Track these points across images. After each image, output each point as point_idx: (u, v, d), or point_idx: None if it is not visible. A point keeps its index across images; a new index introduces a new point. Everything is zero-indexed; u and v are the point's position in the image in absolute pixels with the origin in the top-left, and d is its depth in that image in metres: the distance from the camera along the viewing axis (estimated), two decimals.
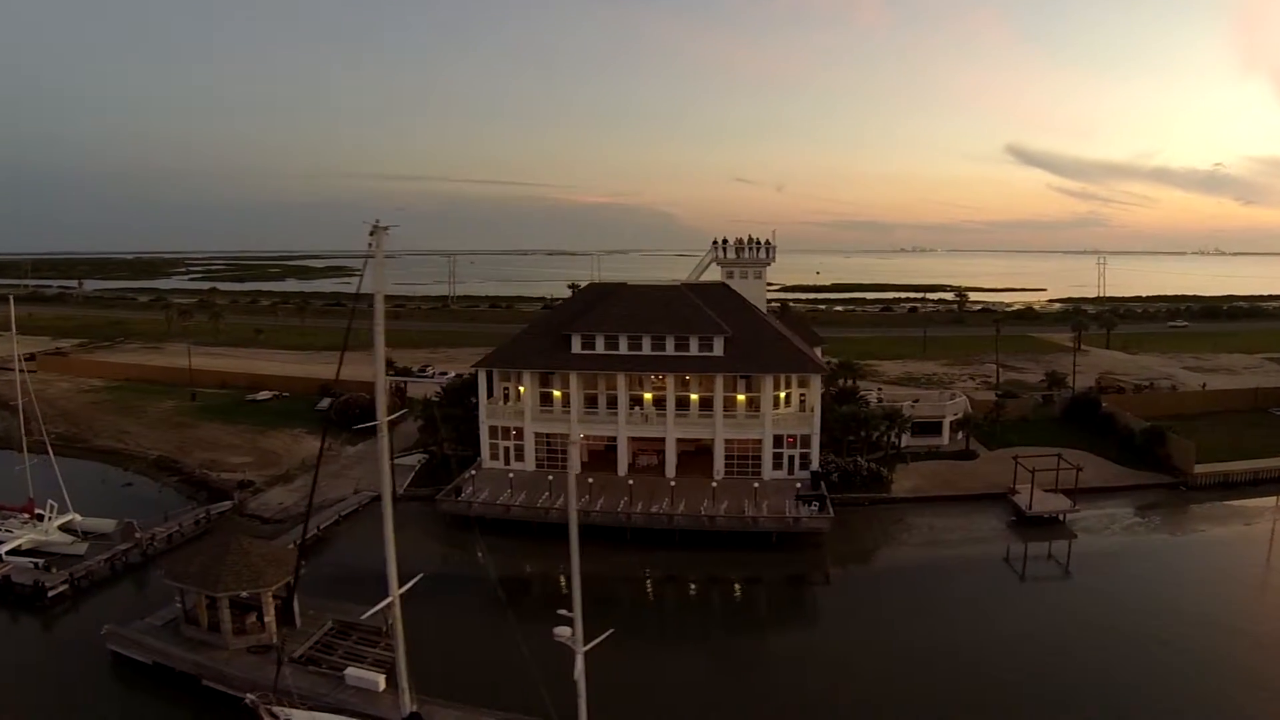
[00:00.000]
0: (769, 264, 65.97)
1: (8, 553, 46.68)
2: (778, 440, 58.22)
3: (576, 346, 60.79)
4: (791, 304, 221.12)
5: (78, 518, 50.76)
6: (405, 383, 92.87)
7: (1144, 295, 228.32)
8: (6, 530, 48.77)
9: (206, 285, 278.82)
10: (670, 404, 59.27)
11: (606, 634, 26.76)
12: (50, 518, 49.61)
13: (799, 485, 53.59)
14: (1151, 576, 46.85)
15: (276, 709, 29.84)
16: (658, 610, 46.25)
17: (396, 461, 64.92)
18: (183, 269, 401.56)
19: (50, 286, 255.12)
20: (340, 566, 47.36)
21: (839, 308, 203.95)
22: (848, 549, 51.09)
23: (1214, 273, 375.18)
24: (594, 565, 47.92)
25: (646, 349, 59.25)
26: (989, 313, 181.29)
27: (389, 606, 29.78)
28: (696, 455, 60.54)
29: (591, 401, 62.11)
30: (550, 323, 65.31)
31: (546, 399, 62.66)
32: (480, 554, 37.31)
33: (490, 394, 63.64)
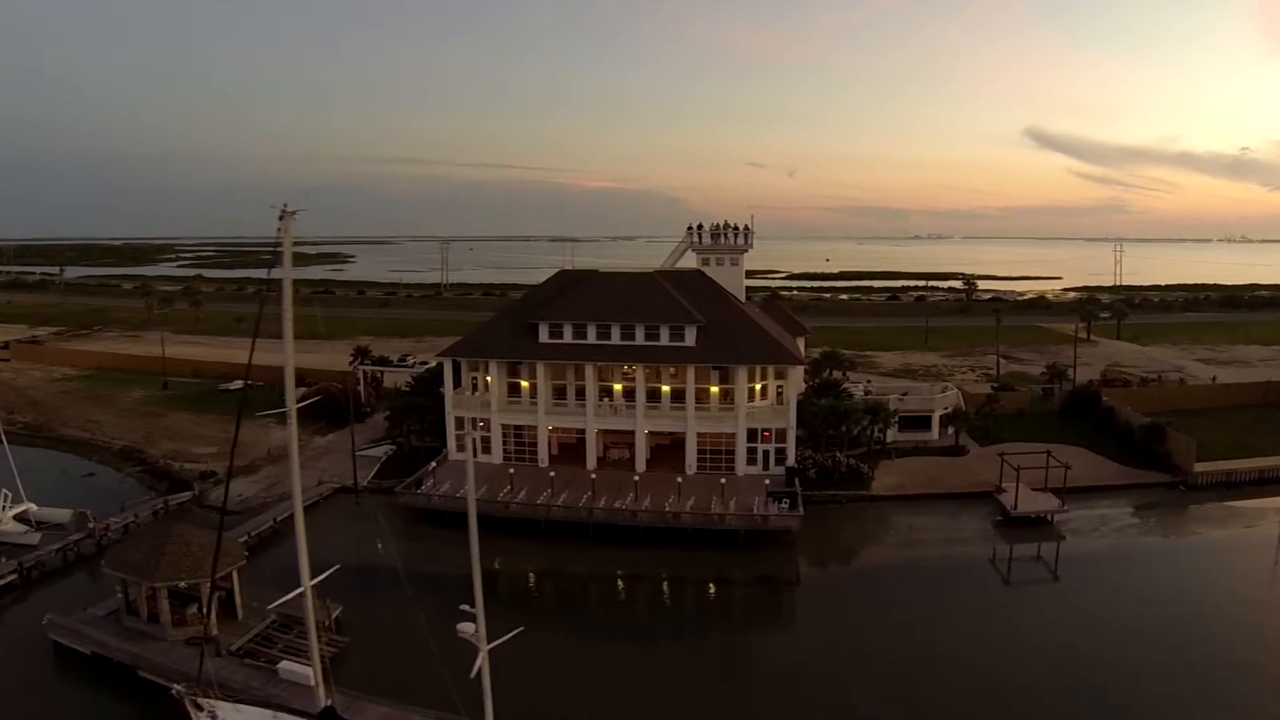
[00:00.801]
0: (746, 250, 64.79)
1: None
2: (752, 434, 57.38)
3: (544, 335, 60.01)
4: (796, 292, 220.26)
5: (33, 508, 51.03)
6: (382, 372, 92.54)
7: (1162, 284, 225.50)
8: None
9: (194, 272, 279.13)
10: (640, 396, 58.48)
11: (514, 632, 26.42)
12: (5, 507, 49.88)
13: (767, 482, 52.57)
14: (1139, 583, 45.20)
15: (202, 700, 29.77)
16: (613, 610, 45.63)
17: (363, 453, 65.26)
18: (172, 255, 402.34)
19: (34, 273, 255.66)
20: (294, 559, 47.24)
21: (844, 296, 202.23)
22: (820, 549, 50.20)
23: (1238, 261, 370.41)
24: (552, 562, 48.95)
25: (616, 338, 58.50)
26: (998, 302, 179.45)
27: (303, 597, 29.52)
28: (672, 449, 59.76)
29: (560, 393, 61.36)
30: (519, 311, 64.46)
31: (514, 389, 62.08)
32: (380, 545, 37.06)
33: (458, 384, 63.07)
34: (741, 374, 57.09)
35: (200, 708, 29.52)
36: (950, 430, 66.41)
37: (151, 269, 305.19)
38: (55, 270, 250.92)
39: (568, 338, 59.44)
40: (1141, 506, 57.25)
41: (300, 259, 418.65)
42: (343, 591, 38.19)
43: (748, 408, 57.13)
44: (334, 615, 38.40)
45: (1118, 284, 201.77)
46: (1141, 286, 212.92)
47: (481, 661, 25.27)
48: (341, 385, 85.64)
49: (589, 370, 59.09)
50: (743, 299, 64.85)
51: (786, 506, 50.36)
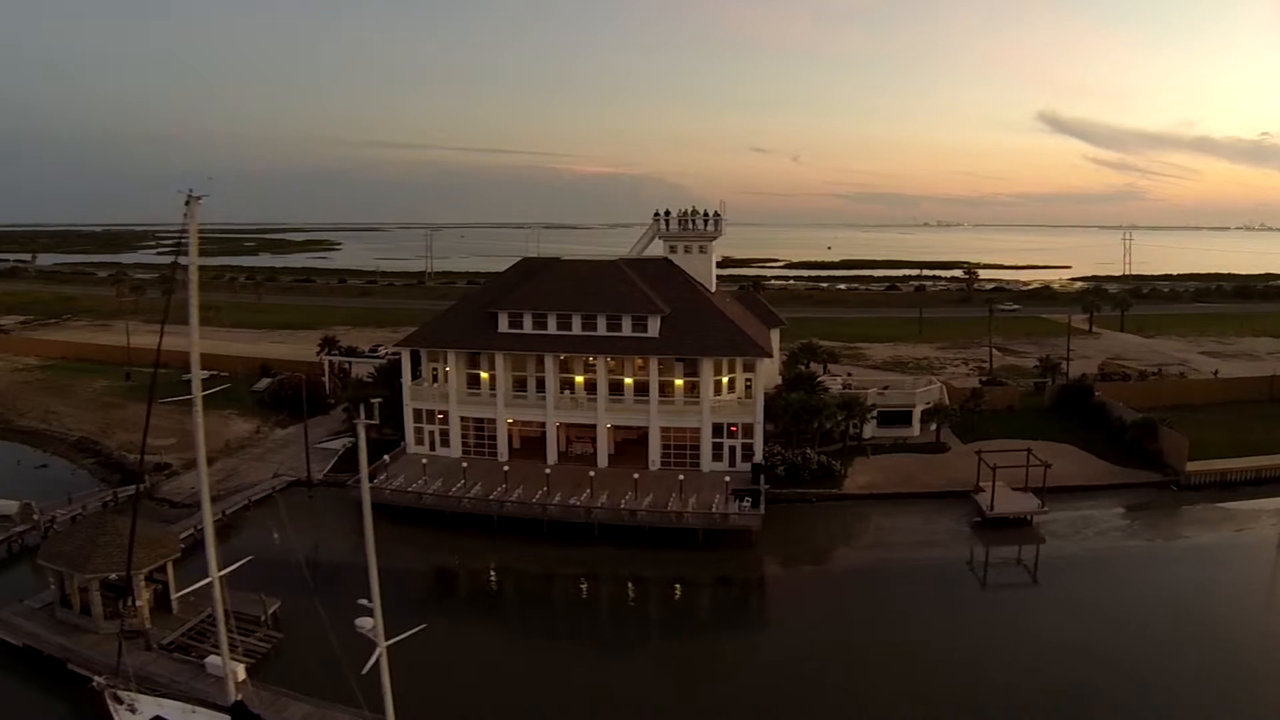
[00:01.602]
0: (715, 237, 63.76)
1: None
2: (718, 429, 56.58)
3: (503, 325, 59.26)
4: (793, 282, 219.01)
5: None
6: (350, 363, 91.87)
7: (1174, 273, 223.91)
8: None
9: (169, 259, 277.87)
10: (601, 388, 57.73)
11: (416, 629, 26.34)
12: None
13: (727, 479, 51.65)
14: (1116, 592, 43.79)
15: (122, 693, 30.28)
16: (560, 609, 45.15)
17: (322, 445, 65.51)
18: (152, 242, 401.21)
19: (6, 260, 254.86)
20: (239, 553, 47.00)
21: (841, 286, 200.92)
22: (784, 550, 49.41)
23: (1256, 249, 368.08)
24: (503, 560, 48.47)
25: (577, 328, 57.76)
26: (1002, 292, 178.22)
27: (211, 588, 30.52)
28: (638, 444, 59.00)
29: (521, 384, 60.68)
30: (479, 299, 63.72)
31: (474, 381, 61.42)
32: (275, 534, 37.05)
33: (418, 375, 62.38)
34: (706, 366, 56.19)
35: (120, 700, 30.04)
36: (932, 426, 65.36)
37: (131, 256, 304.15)
38: (27, 258, 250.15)
39: (528, 328, 58.65)
40: (1128, 508, 56.20)
41: (285, 246, 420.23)
42: (286, 587, 38.33)
43: (713, 401, 56.25)
44: (270, 611, 38.47)
45: (1126, 273, 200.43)
46: (1151, 276, 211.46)
47: (378, 657, 25.24)
48: (305, 376, 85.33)
49: (549, 361, 58.35)
50: (712, 288, 63.88)
51: (749, 505, 49.44)
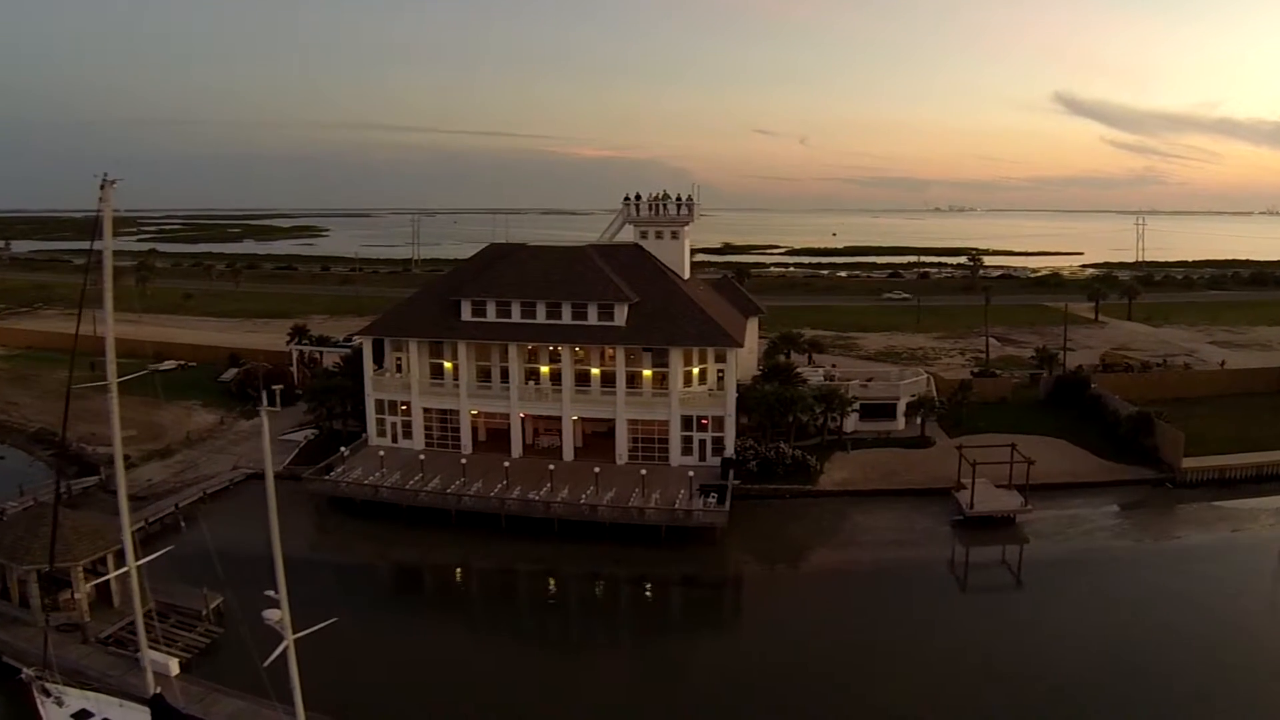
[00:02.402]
0: (688, 223, 62.95)
1: None
2: (688, 422, 55.96)
3: (466, 313, 58.73)
4: (792, 269, 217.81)
5: None
6: (320, 353, 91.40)
7: (1190, 259, 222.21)
8: None
9: (148, 247, 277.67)
10: (567, 379, 57.17)
11: (327, 623, 26.40)
12: None
13: (691, 474, 50.99)
14: (1098, 596, 42.77)
15: (50, 685, 30.68)
16: (514, 608, 44.90)
17: (284, 437, 65.29)
18: (134, 229, 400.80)
19: None
20: (191, 545, 46.95)
21: (842, 274, 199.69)
22: (751, 549, 48.88)
23: (1278, 234, 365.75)
24: (457, 555, 48.15)
25: (541, 317, 57.29)
26: (1009, 279, 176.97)
27: (126, 578, 31.50)
28: (608, 437, 58.32)
29: (485, 375, 60.13)
30: (443, 287, 63.16)
31: (437, 371, 61.00)
32: (181, 524, 36.76)
33: (381, 364, 61.84)
34: (675, 356, 55.52)
35: (48, 693, 30.45)
36: (917, 420, 64.48)
37: (113, 242, 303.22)
38: (0, 244, 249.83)
39: (491, 316, 58.14)
40: (1119, 506, 55.34)
41: (271, 233, 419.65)
42: (237, 582, 37.52)
43: (682, 393, 55.57)
44: (212, 605, 39.02)
45: (1139, 259, 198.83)
46: (1166, 262, 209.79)
47: (284, 649, 25.28)
48: (271, 366, 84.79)
49: (513, 351, 57.84)
50: (685, 275, 63.07)
51: (714, 501, 48.80)
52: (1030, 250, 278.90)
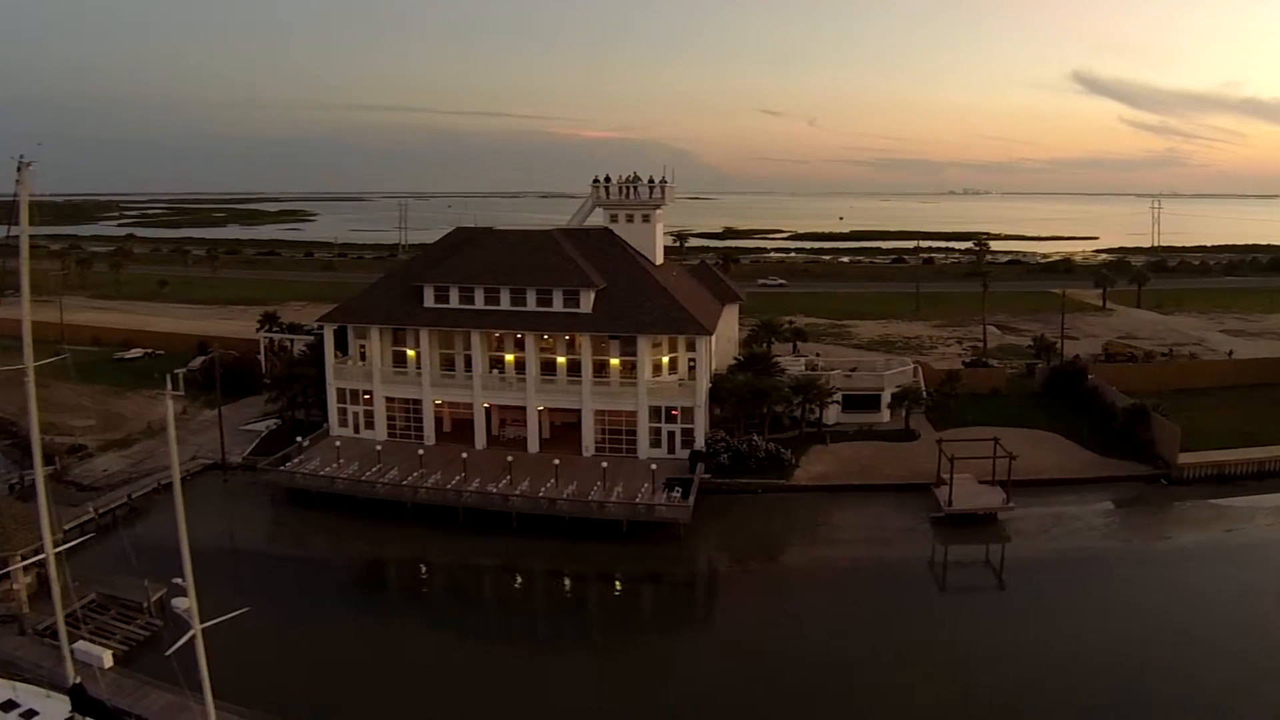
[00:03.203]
0: (660, 205, 62.26)
1: None
2: (656, 413, 55.46)
3: (429, 300, 58.35)
4: (793, 254, 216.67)
5: None
6: (291, 341, 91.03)
7: (1209, 244, 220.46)
8: None
9: (126, 232, 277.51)
10: (531, 368, 56.73)
11: (239, 611, 26.75)
12: None
13: (654, 467, 50.44)
14: (1084, 600, 41.77)
15: None
16: (466, 604, 44.60)
17: (246, 427, 65.30)
18: (116, 213, 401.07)
19: None
20: (141, 538, 46.75)
21: (845, 259, 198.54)
22: (717, 545, 48.51)
23: None
24: (414, 549, 47.94)
25: (505, 303, 56.95)
26: (1016, 265, 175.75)
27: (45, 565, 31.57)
28: (576, 428, 57.81)
29: (450, 363, 59.72)
30: (407, 272, 62.69)
31: (400, 359, 60.72)
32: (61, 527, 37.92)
33: (346, 352, 61.44)
34: (644, 344, 54.89)
35: None
36: (902, 412, 63.73)
37: (90, 228, 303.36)
38: None
39: (454, 302, 57.79)
40: (1110, 504, 54.47)
41: (257, 217, 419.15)
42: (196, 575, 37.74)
43: (650, 383, 55.06)
44: (154, 597, 38.93)
45: (1155, 244, 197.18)
46: (1182, 247, 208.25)
47: (190, 638, 25.35)
48: (239, 354, 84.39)
49: (476, 338, 57.39)
50: (657, 260, 62.39)
51: (679, 496, 48.26)
52: (1043, 235, 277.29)
